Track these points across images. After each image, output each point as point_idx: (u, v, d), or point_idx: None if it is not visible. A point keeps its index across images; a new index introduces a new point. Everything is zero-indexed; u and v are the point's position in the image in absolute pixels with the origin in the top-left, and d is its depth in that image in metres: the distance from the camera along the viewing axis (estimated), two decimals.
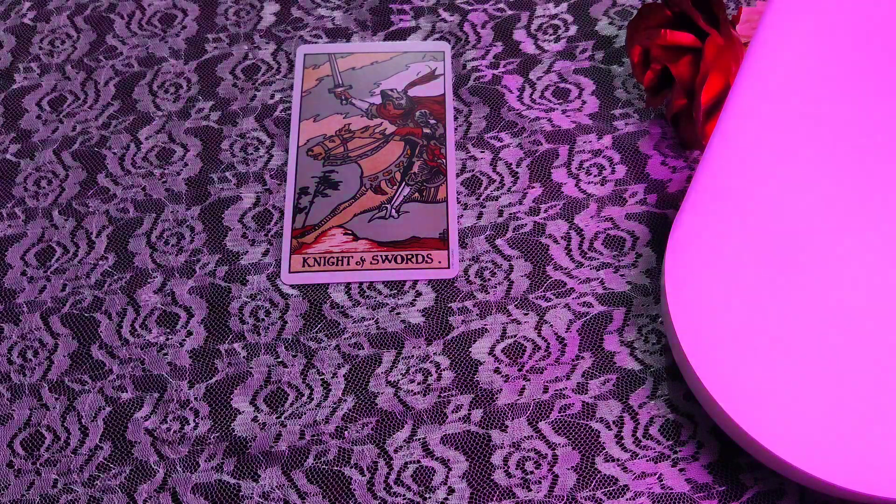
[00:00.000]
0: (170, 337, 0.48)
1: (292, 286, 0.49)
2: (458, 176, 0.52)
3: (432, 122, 0.53)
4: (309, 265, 0.49)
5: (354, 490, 0.44)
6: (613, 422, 0.45)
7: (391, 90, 0.54)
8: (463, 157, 0.52)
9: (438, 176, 0.51)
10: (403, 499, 0.43)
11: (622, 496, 0.43)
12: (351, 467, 0.44)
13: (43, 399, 0.46)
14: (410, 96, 0.54)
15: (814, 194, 0.31)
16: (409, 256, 0.49)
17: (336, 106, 0.54)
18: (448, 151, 0.52)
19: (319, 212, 0.50)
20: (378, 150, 0.52)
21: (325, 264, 0.49)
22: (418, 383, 0.46)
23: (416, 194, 0.51)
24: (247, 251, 0.50)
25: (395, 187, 0.51)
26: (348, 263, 0.49)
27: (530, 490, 0.43)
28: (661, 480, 0.43)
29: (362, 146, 0.52)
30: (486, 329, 0.47)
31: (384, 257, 0.49)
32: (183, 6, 0.58)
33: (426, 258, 0.49)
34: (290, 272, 0.49)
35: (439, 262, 0.49)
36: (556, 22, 0.57)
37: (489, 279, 0.49)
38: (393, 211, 0.50)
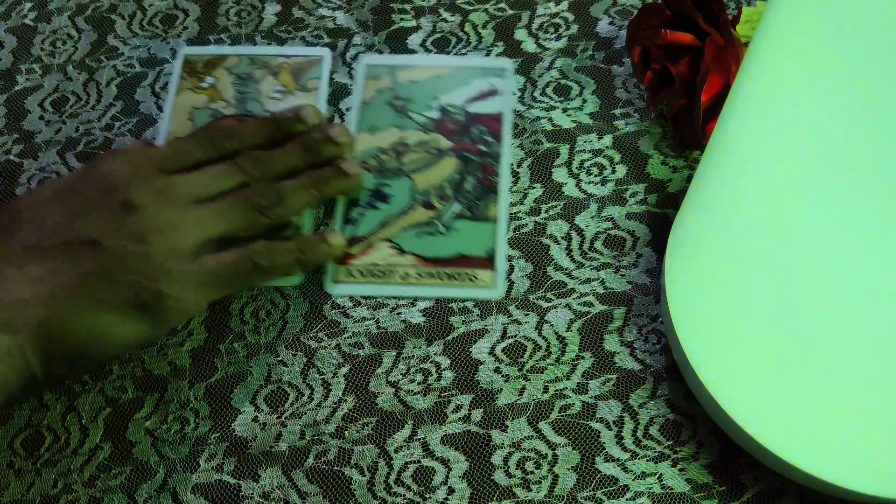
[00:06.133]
0: (170, 337, 0.48)
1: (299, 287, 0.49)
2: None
3: (488, 139, 0.52)
4: (353, 276, 0.48)
5: (354, 490, 0.44)
6: (613, 422, 0.45)
7: (450, 105, 0.53)
8: None
9: (490, 194, 0.51)
10: (403, 499, 0.43)
11: (622, 496, 0.43)
12: (351, 467, 0.44)
13: (43, 399, 0.46)
14: (469, 112, 0.53)
15: (814, 194, 0.31)
16: (454, 274, 0.48)
17: (393, 118, 0.53)
18: (502, 170, 0.51)
19: (368, 223, 0.50)
20: (431, 166, 0.51)
21: (369, 276, 0.48)
22: (418, 383, 0.46)
23: (466, 211, 0.50)
24: None
25: (446, 203, 0.50)
26: (392, 277, 0.48)
27: (530, 490, 0.43)
28: (661, 480, 0.43)
29: (416, 160, 0.51)
30: (487, 329, 0.47)
31: (429, 273, 0.48)
32: (184, 7, 0.58)
33: (471, 277, 0.48)
34: (333, 282, 0.48)
35: (484, 282, 0.48)
36: (556, 20, 0.57)
37: None
38: (441, 227, 0.50)
